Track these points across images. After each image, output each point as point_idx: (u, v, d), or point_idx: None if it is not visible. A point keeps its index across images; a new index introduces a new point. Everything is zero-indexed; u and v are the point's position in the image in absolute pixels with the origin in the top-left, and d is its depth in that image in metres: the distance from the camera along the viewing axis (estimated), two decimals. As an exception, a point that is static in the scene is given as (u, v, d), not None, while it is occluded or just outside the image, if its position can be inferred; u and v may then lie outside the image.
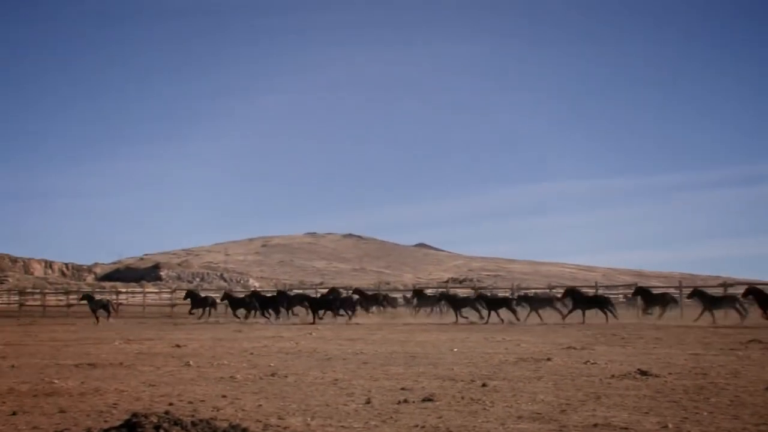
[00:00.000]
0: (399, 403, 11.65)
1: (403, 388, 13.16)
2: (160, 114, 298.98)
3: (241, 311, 44.28)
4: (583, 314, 37.17)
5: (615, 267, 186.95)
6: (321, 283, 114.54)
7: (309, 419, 10.39)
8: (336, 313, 41.40)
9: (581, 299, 39.05)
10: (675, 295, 42.16)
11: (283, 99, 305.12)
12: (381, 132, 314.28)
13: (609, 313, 37.12)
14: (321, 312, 41.62)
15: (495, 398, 12.02)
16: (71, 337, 27.71)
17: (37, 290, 74.19)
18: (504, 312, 38.25)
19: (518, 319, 37.65)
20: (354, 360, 18.38)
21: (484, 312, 39.02)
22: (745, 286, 37.85)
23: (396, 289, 72.27)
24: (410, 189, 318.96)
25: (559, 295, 41.84)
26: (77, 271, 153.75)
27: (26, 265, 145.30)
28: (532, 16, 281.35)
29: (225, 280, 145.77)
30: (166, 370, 16.39)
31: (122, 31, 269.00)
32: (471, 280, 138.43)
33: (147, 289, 73.75)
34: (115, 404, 11.73)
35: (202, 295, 49.17)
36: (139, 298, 64.36)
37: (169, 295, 63.49)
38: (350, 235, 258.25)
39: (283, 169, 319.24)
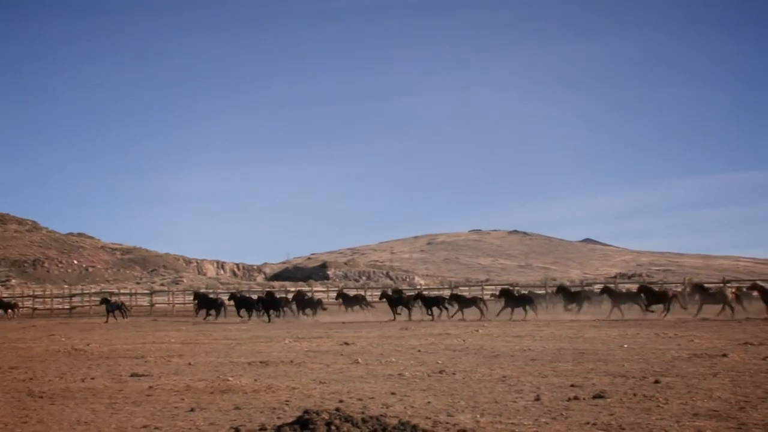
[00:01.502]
0: (569, 400, 11.48)
1: (572, 385, 12.96)
2: (325, 116, 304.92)
3: (244, 312, 45.82)
4: (512, 312, 39.95)
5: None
6: (487, 280, 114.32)
7: (478, 416, 10.35)
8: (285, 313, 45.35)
9: (512, 299, 41.50)
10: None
11: (447, 97, 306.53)
12: (545, 128, 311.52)
13: (530, 311, 39.84)
14: (273, 312, 44.61)
15: (669, 395, 11.69)
16: (244, 336, 28.43)
17: (210, 290, 76.53)
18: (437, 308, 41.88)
19: (450, 316, 40.71)
20: (522, 357, 18.21)
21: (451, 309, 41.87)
22: None
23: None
24: (576, 184, 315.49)
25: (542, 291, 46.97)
26: (247, 271, 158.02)
27: (199, 266, 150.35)
28: (698, 7, 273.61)
29: (391, 278, 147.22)
30: (336, 368, 16.62)
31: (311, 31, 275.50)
32: (640, 275, 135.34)
33: (315, 288, 74.97)
34: (287, 401, 11.96)
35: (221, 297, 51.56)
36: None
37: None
38: (516, 232, 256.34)
39: (448, 167, 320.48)
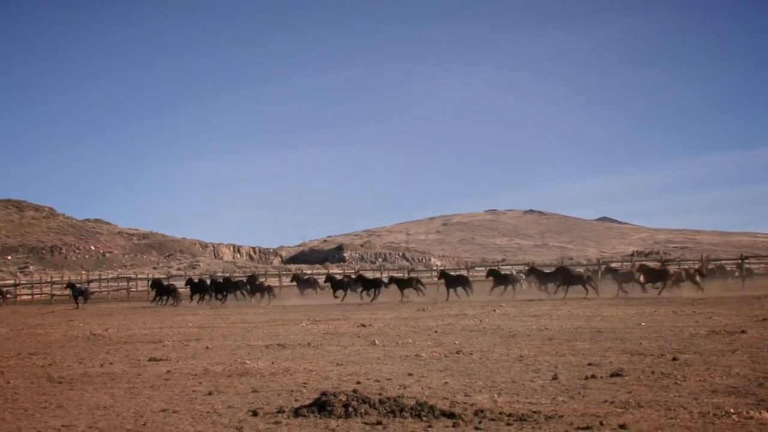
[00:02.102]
0: (586, 378, 11.46)
1: (590, 364, 12.95)
2: (341, 100, 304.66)
3: (197, 296, 49.03)
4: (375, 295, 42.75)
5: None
6: (503, 260, 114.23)
7: (496, 396, 10.34)
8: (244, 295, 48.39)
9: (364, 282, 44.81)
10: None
11: (461, 80, 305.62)
12: (560, 106, 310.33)
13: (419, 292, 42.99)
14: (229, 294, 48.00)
15: (687, 372, 11.66)
16: (261, 319, 28.51)
17: (227, 274, 76.77)
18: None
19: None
20: (539, 336, 18.20)
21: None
22: None
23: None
24: (591, 162, 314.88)
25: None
26: (264, 254, 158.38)
27: (216, 250, 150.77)
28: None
29: (407, 260, 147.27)
30: (353, 350, 16.65)
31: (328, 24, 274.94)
32: (657, 252, 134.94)
33: (331, 270, 75.07)
34: (304, 383, 11.98)
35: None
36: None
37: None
38: (531, 211, 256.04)
39: (462, 148, 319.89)
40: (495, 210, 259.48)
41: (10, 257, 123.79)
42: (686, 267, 43.92)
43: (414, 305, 35.29)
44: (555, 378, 11.59)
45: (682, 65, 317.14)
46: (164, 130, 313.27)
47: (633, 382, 10.99)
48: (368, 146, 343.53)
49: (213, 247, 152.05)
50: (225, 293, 48.34)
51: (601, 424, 8.49)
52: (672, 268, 42.14)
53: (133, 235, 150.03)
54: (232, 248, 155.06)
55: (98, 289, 65.14)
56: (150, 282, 56.60)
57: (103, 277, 79.60)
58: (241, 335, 21.49)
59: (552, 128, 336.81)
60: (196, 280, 52.46)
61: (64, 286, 57.16)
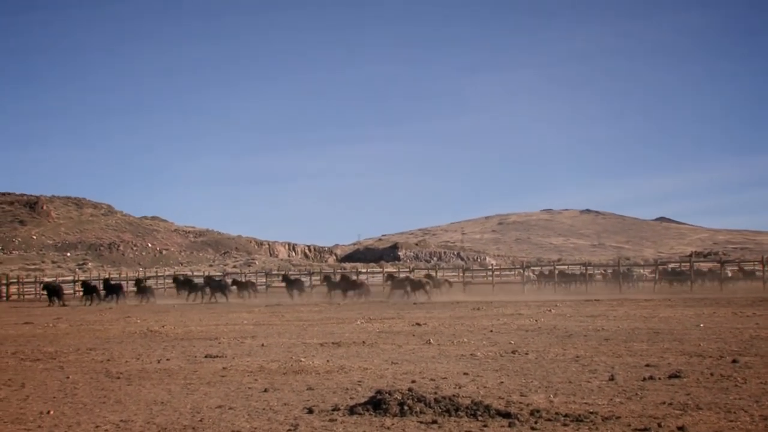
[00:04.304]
0: (644, 379, 11.34)
1: (647, 365, 12.81)
2: (399, 96, 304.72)
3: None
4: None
5: None
6: (558, 260, 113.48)
7: (552, 396, 10.27)
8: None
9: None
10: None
11: (517, 75, 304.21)
12: (619, 104, 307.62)
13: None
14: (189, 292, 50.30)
15: (747, 375, 11.49)
16: (315, 317, 28.59)
17: (282, 272, 77.14)
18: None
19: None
20: (595, 336, 18.06)
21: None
22: None
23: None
24: (649, 162, 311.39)
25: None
26: (319, 252, 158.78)
27: (271, 248, 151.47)
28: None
29: (462, 259, 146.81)
30: (408, 348, 16.63)
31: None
32: (716, 253, 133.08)
33: (386, 269, 75.05)
34: (359, 381, 11.99)
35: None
36: (378, 278, 65.61)
37: (408, 275, 64.43)
38: (588, 211, 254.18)
39: (519, 146, 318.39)
40: (551, 209, 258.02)
41: (69, 254, 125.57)
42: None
43: (470, 304, 35.18)
44: (612, 379, 11.48)
45: (742, 60, 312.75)
46: (222, 128, 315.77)
47: (692, 384, 10.85)
48: (424, 144, 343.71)
49: (268, 245, 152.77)
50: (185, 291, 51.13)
51: (659, 425, 8.39)
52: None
53: (189, 232, 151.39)
54: (287, 246, 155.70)
55: (155, 286, 65.64)
56: (172, 279, 58.70)
57: (159, 274, 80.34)
58: (296, 333, 21.56)
59: (610, 126, 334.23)
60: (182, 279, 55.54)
61: (42, 286, 59.19)
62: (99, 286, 53.81)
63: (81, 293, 52.54)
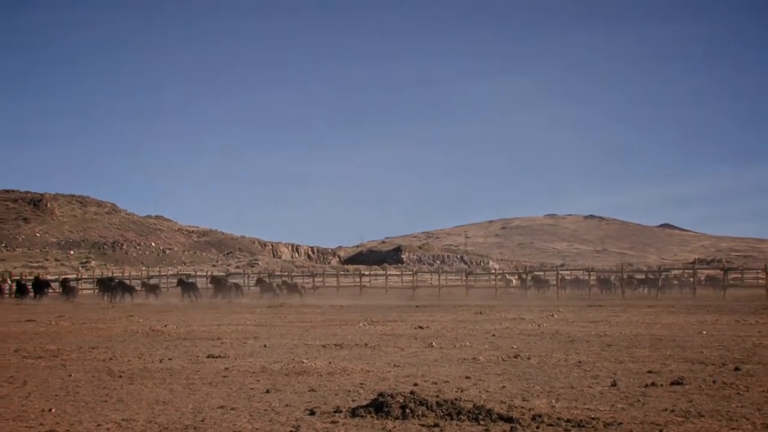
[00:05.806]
0: (646, 386, 11.33)
1: (650, 371, 12.80)
2: (402, 99, 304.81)
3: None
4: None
5: None
6: (562, 265, 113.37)
7: (554, 401, 10.27)
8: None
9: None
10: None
11: (523, 81, 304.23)
12: (622, 110, 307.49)
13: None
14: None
15: (750, 382, 11.48)
16: (318, 319, 28.59)
17: (285, 273, 77.19)
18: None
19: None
20: (597, 342, 18.05)
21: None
22: None
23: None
24: (653, 168, 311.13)
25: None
26: (322, 254, 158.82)
27: (275, 249, 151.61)
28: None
29: (465, 263, 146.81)
30: (410, 351, 16.62)
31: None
32: (719, 260, 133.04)
33: (389, 272, 75.05)
34: (361, 384, 11.99)
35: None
36: (381, 281, 65.68)
37: (410, 278, 64.52)
38: (591, 217, 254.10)
39: (523, 151, 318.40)
40: (554, 214, 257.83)
41: (72, 252, 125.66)
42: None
43: (473, 308, 35.17)
44: (614, 385, 11.48)
45: (745, 68, 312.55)
46: (225, 128, 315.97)
47: (694, 391, 10.84)
48: (428, 147, 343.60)
49: (272, 245, 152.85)
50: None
51: (661, 432, 8.38)
52: None
53: (192, 232, 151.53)
54: (290, 247, 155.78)
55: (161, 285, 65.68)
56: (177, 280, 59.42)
57: (162, 273, 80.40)
58: (298, 334, 21.56)
59: (615, 132, 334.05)
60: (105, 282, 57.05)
61: (15, 283, 61.08)
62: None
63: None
